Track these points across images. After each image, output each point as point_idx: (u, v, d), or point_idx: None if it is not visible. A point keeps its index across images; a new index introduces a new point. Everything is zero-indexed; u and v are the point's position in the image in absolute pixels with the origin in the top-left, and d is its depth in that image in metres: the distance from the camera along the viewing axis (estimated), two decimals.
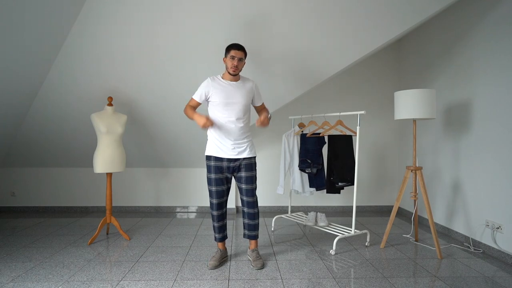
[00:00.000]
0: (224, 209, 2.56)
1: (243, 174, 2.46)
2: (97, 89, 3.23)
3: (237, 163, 2.44)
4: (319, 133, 3.23)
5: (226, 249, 2.62)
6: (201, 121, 2.28)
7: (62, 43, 2.78)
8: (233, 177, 2.55)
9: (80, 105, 3.37)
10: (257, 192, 4.29)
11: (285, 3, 2.60)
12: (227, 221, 3.80)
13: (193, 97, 2.47)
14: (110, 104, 3.05)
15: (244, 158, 2.44)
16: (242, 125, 2.43)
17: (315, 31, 2.80)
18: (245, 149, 2.45)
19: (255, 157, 2.52)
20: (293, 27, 2.77)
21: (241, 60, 2.40)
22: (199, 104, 2.46)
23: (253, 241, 2.58)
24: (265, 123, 2.38)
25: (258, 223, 2.58)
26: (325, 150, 4.13)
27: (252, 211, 2.52)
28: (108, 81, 3.16)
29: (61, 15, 2.51)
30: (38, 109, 3.38)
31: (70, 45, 2.81)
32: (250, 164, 2.47)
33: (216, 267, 2.44)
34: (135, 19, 2.65)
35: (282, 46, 2.91)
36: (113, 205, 4.29)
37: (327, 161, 3.05)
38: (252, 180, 2.48)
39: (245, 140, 2.47)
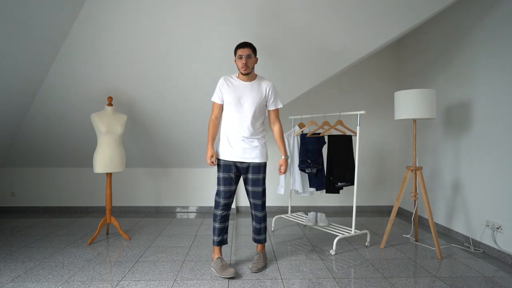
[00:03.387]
0: (226, 212, 2.45)
1: (250, 176, 2.40)
2: (97, 89, 3.23)
3: (244, 165, 2.38)
4: (319, 133, 3.23)
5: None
6: (208, 155, 2.39)
7: (62, 43, 2.78)
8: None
9: (80, 105, 3.37)
10: None
11: (284, 5, 2.60)
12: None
13: (213, 100, 2.41)
14: (110, 104, 3.04)
15: (252, 162, 2.37)
16: (256, 128, 2.36)
17: (314, 32, 2.80)
18: (254, 154, 2.36)
19: (265, 162, 2.42)
20: (292, 27, 2.76)
21: (250, 57, 2.29)
22: (221, 106, 2.41)
23: (259, 245, 2.54)
24: (284, 170, 2.45)
25: (266, 226, 2.55)
26: (325, 150, 4.14)
27: (260, 214, 2.47)
28: (108, 81, 3.16)
29: (61, 15, 2.51)
30: (38, 109, 3.38)
31: (70, 45, 2.81)
32: (259, 167, 2.39)
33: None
34: (135, 19, 2.65)
35: (282, 46, 2.91)
36: (113, 205, 4.29)
37: (327, 161, 3.05)
38: (261, 182, 2.41)
39: (256, 143, 2.37)
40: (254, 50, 2.33)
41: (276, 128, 2.47)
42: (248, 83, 2.36)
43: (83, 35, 2.74)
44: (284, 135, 3.34)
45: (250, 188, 2.42)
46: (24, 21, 2.36)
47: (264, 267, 2.43)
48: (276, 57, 3.01)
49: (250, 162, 2.37)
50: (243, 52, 2.28)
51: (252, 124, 2.34)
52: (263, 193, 2.45)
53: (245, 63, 2.27)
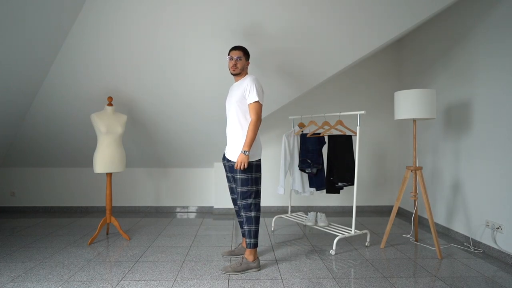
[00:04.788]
0: (236, 206, 2.63)
1: (234, 175, 2.43)
2: (97, 89, 3.23)
3: (230, 163, 2.45)
4: (319, 133, 3.23)
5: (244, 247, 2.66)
6: None
7: (62, 43, 2.78)
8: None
9: (80, 105, 3.37)
10: None
11: (284, 5, 2.60)
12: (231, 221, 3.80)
13: None
14: (110, 104, 3.05)
15: (232, 161, 2.42)
16: (237, 126, 2.37)
17: (314, 32, 2.80)
18: (233, 152, 2.39)
19: (252, 161, 2.35)
20: (292, 28, 2.76)
21: (240, 59, 2.39)
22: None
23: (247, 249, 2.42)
24: (239, 166, 2.25)
25: (252, 231, 2.36)
26: (325, 150, 4.13)
27: (243, 215, 2.40)
28: (108, 81, 3.16)
29: (61, 15, 2.51)
30: (38, 109, 3.38)
31: (70, 45, 2.81)
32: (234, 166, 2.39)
33: (230, 254, 2.66)
34: (135, 19, 2.65)
35: (282, 47, 2.91)
36: (113, 205, 4.29)
37: (327, 161, 3.05)
38: (241, 182, 2.35)
39: (237, 142, 2.37)
40: (245, 53, 2.45)
41: (249, 122, 2.35)
42: (237, 83, 2.48)
43: (83, 35, 2.74)
44: (284, 135, 3.36)
45: (236, 188, 2.47)
46: (24, 21, 2.36)
47: (234, 272, 2.32)
48: (275, 58, 3.01)
49: (231, 161, 2.43)
50: (233, 54, 2.41)
51: (233, 122, 2.40)
52: (244, 195, 2.35)
53: (234, 64, 2.40)
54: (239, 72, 2.42)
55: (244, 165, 2.25)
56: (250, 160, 2.33)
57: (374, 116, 4.33)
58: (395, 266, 2.47)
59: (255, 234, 2.39)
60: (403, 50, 4.21)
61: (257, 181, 2.39)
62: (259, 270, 2.40)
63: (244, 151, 2.25)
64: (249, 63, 2.51)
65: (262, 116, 3.64)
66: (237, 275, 2.30)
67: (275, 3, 2.59)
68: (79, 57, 2.92)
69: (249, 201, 2.36)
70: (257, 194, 2.40)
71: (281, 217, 3.91)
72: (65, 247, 2.87)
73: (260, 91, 2.34)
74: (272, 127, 4.29)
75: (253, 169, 2.37)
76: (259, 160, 2.41)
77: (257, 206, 2.40)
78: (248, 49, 2.91)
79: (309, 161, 3.22)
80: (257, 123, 2.30)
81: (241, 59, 2.40)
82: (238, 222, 2.69)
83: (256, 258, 2.40)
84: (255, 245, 2.38)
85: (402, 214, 4.16)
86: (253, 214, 2.37)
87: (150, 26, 2.70)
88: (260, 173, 2.43)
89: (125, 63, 2.99)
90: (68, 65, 2.98)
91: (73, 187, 4.27)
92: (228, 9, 2.62)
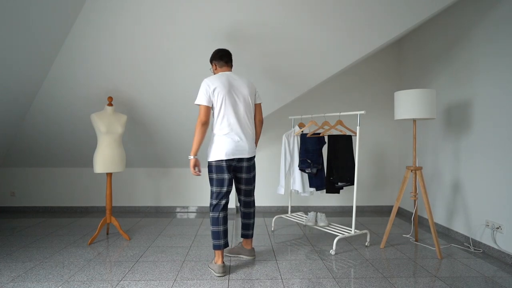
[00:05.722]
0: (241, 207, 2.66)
1: None
2: (97, 89, 3.23)
3: None
4: (319, 133, 3.23)
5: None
6: None
7: (62, 42, 2.78)
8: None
9: (80, 105, 3.38)
10: (258, 191, 4.30)
11: (284, 5, 2.60)
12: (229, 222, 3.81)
13: None
14: (110, 104, 3.05)
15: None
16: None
17: (314, 32, 2.80)
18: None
19: (210, 161, 2.36)
20: (292, 27, 2.76)
21: (210, 69, 2.62)
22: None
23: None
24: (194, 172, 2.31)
25: (211, 231, 2.36)
26: (325, 150, 4.14)
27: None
28: (108, 81, 3.16)
29: (61, 15, 2.51)
30: (38, 109, 3.38)
31: (71, 45, 2.81)
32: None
33: (229, 252, 2.67)
34: (135, 19, 2.65)
35: (282, 47, 2.91)
36: (113, 205, 4.29)
37: (327, 161, 3.05)
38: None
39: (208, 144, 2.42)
40: (210, 61, 2.57)
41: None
42: None
43: (83, 35, 2.74)
44: (284, 135, 3.36)
45: None
46: (24, 21, 2.37)
47: (209, 268, 2.38)
48: (276, 58, 3.01)
49: None
50: None
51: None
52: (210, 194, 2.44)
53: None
54: None
55: (196, 171, 2.31)
56: (209, 160, 2.34)
57: (374, 116, 4.33)
58: (395, 266, 2.47)
59: (212, 235, 2.34)
60: (403, 50, 4.21)
61: (216, 182, 2.33)
62: (220, 276, 2.27)
63: (188, 156, 2.27)
64: (215, 65, 2.49)
65: (264, 115, 3.66)
66: (237, 276, 2.30)
67: (275, 3, 2.59)
68: (79, 57, 2.92)
69: (210, 200, 2.39)
70: (217, 195, 2.34)
71: (281, 217, 3.91)
72: (65, 247, 2.87)
73: (202, 93, 2.29)
74: (272, 127, 4.29)
75: (212, 169, 2.34)
76: (219, 161, 2.31)
77: (213, 208, 2.35)
78: (248, 50, 2.91)
79: (309, 161, 3.22)
80: (198, 126, 2.26)
81: (210, 69, 2.60)
82: (241, 222, 2.66)
83: (219, 262, 2.31)
84: (213, 247, 2.33)
85: (402, 214, 4.16)
86: (210, 214, 2.37)
87: (150, 26, 2.70)
88: (221, 175, 2.32)
89: (125, 63, 2.99)
90: (68, 65, 2.98)
91: (73, 187, 4.27)
92: (229, 9, 2.62)
